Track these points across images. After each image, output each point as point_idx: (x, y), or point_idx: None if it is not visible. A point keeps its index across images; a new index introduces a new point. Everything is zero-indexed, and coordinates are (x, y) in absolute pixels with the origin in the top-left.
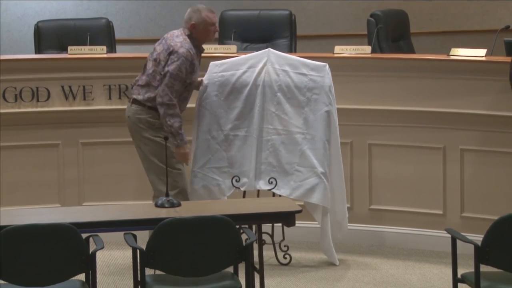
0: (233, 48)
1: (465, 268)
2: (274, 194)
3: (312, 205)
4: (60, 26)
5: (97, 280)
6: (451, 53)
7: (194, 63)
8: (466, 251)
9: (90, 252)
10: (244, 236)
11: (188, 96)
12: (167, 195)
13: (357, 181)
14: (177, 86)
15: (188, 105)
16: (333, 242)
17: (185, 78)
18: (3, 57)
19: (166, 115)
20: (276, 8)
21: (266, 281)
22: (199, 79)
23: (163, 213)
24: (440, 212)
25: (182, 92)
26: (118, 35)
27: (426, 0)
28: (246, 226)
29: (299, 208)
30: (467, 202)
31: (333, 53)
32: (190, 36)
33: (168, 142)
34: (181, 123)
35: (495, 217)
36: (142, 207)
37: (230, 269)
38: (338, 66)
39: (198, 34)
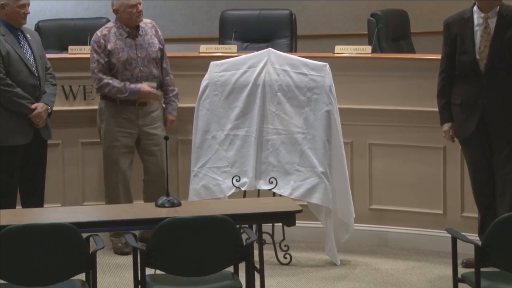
0: (233, 48)
1: (466, 268)
2: (274, 194)
3: (315, 207)
4: (61, 25)
5: (97, 280)
6: None
7: (102, 43)
8: (466, 251)
9: (90, 252)
10: (244, 236)
11: (129, 77)
12: (167, 195)
13: (357, 181)
14: (95, 68)
15: (188, 105)
16: (340, 243)
17: (99, 58)
18: None
19: (111, 94)
20: (276, 8)
21: (266, 281)
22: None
23: (163, 213)
24: (441, 212)
25: (118, 73)
26: None
27: (427, 0)
28: (247, 225)
29: (300, 208)
30: (467, 202)
31: (334, 53)
32: (118, 20)
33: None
34: (115, 87)
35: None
36: (142, 207)
37: (231, 269)
38: (339, 66)
39: (121, 17)
